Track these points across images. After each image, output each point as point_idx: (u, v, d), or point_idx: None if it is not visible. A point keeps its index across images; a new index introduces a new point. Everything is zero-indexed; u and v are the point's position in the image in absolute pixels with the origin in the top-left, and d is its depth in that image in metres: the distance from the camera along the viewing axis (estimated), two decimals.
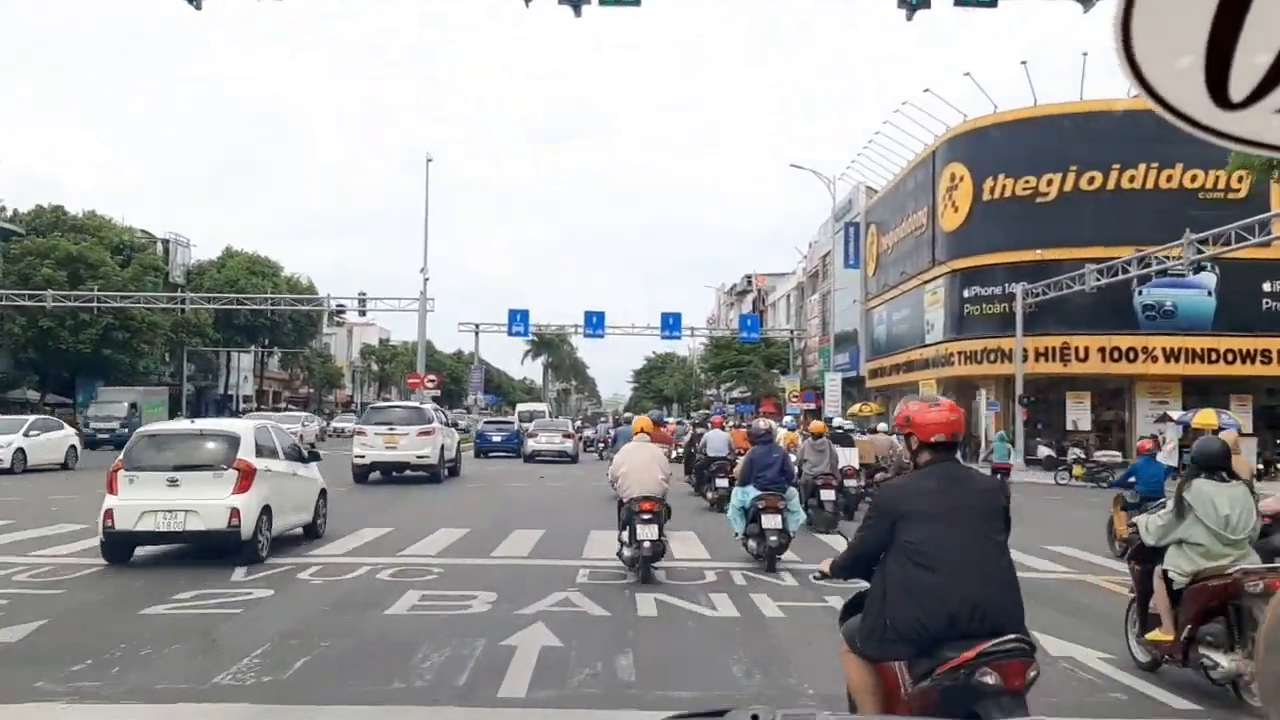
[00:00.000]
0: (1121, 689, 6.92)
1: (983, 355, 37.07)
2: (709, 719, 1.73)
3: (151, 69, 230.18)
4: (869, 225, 50.14)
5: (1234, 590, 6.39)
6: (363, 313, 49.96)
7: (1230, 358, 34.73)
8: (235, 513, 11.25)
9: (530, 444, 34.16)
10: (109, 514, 11.31)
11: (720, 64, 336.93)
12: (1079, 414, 36.37)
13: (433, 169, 40.63)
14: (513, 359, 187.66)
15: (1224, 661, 6.31)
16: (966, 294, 38.07)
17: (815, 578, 4.89)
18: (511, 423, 41.82)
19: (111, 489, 11.54)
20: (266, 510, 11.82)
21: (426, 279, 41.06)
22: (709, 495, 18.49)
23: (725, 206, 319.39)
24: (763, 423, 15.68)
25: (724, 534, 13.19)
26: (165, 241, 65.76)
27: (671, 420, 37.65)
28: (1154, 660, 7.11)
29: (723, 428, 21.63)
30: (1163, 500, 8.81)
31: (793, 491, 12.35)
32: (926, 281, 41.07)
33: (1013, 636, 3.83)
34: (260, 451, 12.22)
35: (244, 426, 13.22)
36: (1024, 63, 33.10)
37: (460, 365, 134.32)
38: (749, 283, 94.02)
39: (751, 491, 11.83)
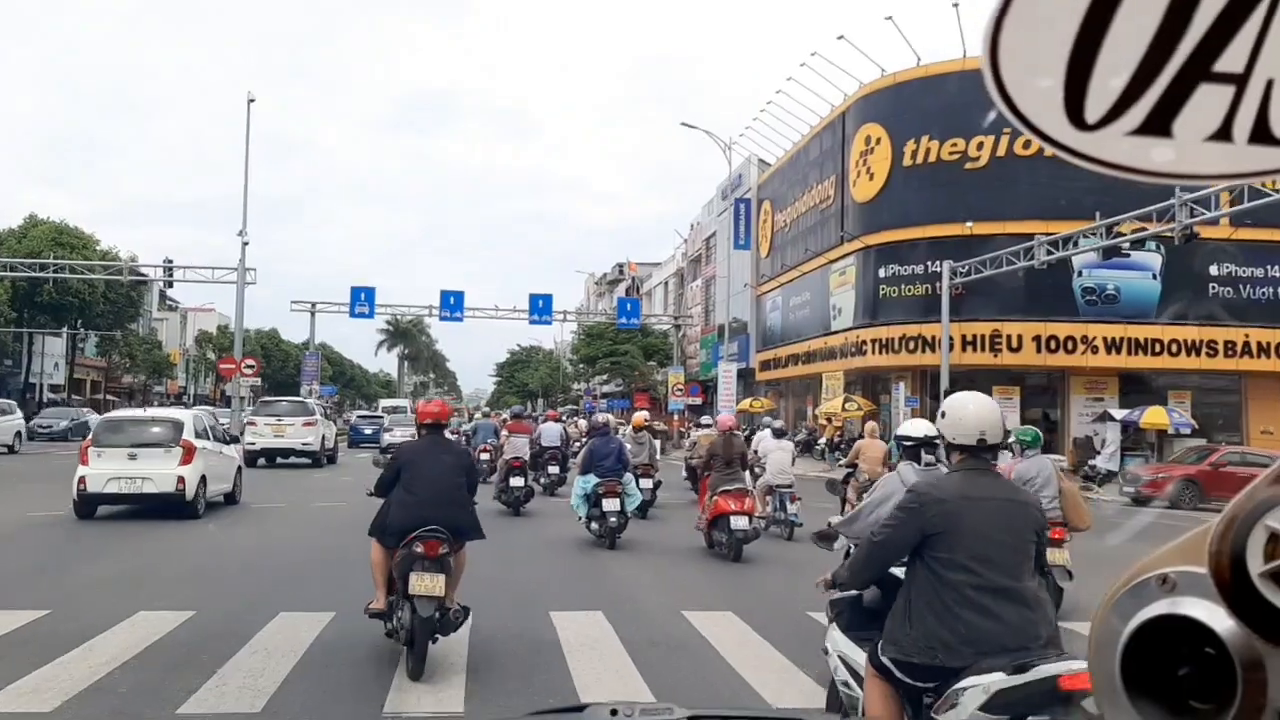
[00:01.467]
0: None
1: (900, 343, 31.88)
2: (568, 714, 1.77)
3: None
4: (762, 202, 44.68)
5: None
6: (169, 283, 41.88)
7: (1174, 349, 30.36)
8: (181, 480, 14.42)
9: (386, 437, 35.07)
10: (82, 480, 14.32)
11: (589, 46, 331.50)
12: (1007, 411, 31.45)
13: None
14: (366, 350, 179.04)
15: None
16: (882, 273, 32.81)
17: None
18: (381, 418, 44.58)
19: (84, 461, 14.55)
20: (203, 479, 14.99)
21: (245, 243, 33.78)
22: (541, 480, 18.68)
23: (593, 202, 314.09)
24: (601, 416, 17.00)
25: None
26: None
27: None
28: None
29: (558, 420, 22.40)
30: None
31: (629, 477, 13.07)
32: (834, 260, 35.72)
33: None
34: (198, 434, 15.30)
35: (186, 415, 16.49)
36: (956, 4, 27.39)
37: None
38: (620, 271, 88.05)
39: (593, 479, 12.72)
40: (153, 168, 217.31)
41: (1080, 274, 30.31)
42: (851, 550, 4.72)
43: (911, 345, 31.54)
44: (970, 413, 3.92)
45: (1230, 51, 0.70)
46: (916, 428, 6.33)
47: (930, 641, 3.65)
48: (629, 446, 15.15)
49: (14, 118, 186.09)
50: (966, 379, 30.86)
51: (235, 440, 17.94)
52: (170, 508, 14.36)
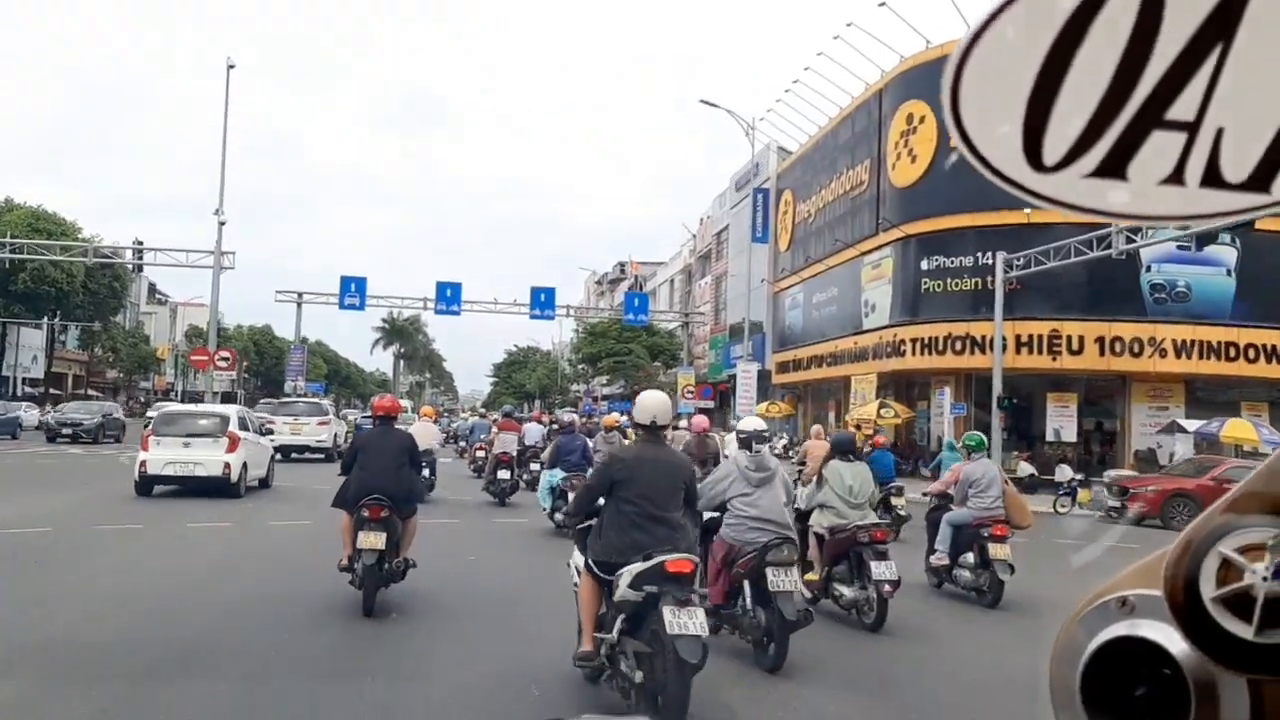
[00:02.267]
0: None
1: (945, 343, 28.39)
2: None
3: None
4: (782, 192, 41.19)
5: (854, 540, 8.40)
6: (139, 267, 38.36)
7: (1251, 354, 26.92)
8: (227, 465, 16.63)
9: None
10: (143, 464, 16.61)
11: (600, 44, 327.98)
12: (1063, 420, 28.02)
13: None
14: (362, 349, 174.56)
15: (847, 592, 8.46)
16: (925, 266, 29.32)
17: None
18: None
19: (144, 447, 16.95)
20: (244, 466, 17.18)
21: (222, 223, 30.18)
22: (524, 477, 18.88)
23: (591, 204, 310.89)
24: (566, 415, 18.22)
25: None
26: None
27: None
28: (814, 597, 8.48)
29: (540, 421, 22.79)
30: (898, 483, 15.09)
31: (591, 471, 11.93)
32: (866, 252, 32.24)
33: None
34: (241, 427, 17.66)
35: (232, 409, 19.41)
36: None
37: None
38: (622, 270, 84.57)
39: (559, 473, 13.59)
40: (148, 166, 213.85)
41: (1149, 269, 26.89)
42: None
43: (958, 346, 28.06)
44: (646, 404, 6.15)
45: (1182, 100, 0.73)
46: (749, 424, 8.12)
47: (611, 548, 5.60)
48: (600, 447, 15.59)
49: (7, 111, 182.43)
50: (1019, 384, 27.51)
51: (270, 433, 21.20)
52: (217, 489, 16.50)
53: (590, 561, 5.72)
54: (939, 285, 29.04)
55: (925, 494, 12.21)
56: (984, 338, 27.03)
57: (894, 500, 14.79)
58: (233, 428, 17.02)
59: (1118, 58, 0.72)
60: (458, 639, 7.43)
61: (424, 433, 17.76)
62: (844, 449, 9.24)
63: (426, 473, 15.17)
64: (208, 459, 16.50)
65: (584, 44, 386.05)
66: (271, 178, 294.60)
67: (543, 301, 41.14)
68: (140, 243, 33.24)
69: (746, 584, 7.04)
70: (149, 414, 53.10)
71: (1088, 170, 0.77)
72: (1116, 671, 0.80)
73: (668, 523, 5.62)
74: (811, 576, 8.66)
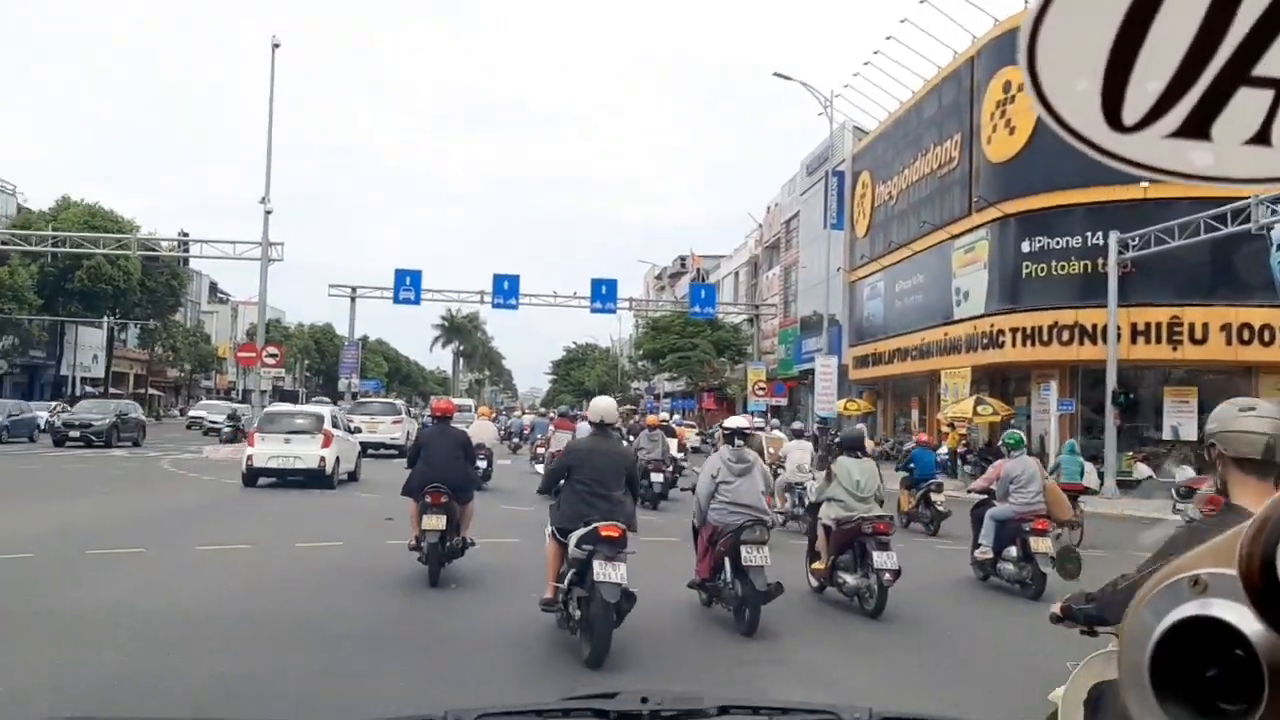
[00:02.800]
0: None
1: (1050, 333, 25.65)
2: (600, 699, 1.78)
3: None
4: (859, 174, 38.55)
5: (858, 531, 8.78)
6: (185, 260, 36.91)
7: None
8: (323, 459, 18.35)
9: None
10: (249, 457, 18.49)
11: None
12: (1181, 417, 25.15)
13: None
14: (422, 346, 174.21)
15: (850, 580, 8.84)
16: (1026, 248, 26.57)
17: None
18: None
19: (250, 443, 19.10)
20: (337, 460, 18.89)
21: (269, 211, 28.34)
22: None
23: (650, 202, 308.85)
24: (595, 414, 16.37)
25: None
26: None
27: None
28: (820, 585, 9.33)
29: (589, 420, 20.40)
30: (938, 480, 15.54)
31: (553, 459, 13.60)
32: (958, 235, 29.55)
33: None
34: (333, 424, 19.57)
35: (326, 409, 21.37)
36: None
37: (364, 353, 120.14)
38: (683, 264, 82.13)
39: None
40: (208, 170, 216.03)
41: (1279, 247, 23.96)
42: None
43: (1064, 336, 25.32)
44: (597, 407, 8.12)
45: (1270, 56, 0.70)
46: (733, 422, 9.27)
47: (567, 517, 7.10)
48: (644, 445, 17.40)
49: (77, 116, 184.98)
50: (1133, 376, 24.74)
51: (358, 430, 22.83)
52: (313, 480, 18.18)
53: (553, 528, 7.32)
54: (1042, 269, 26.29)
55: (969, 490, 12.65)
56: (1094, 327, 24.31)
57: (933, 496, 15.16)
58: (327, 425, 19.09)
59: (1203, 11, 0.69)
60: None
61: (481, 430, 20.31)
62: (852, 446, 9.69)
63: (484, 464, 18.05)
64: (306, 453, 18.37)
65: (642, 39, 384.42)
66: (336, 180, 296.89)
67: (603, 294, 38.97)
68: (186, 234, 31.65)
69: (727, 560, 8.05)
70: (191, 414, 51.98)
71: (1169, 130, 0.74)
72: (1187, 652, 0.76)
73: (609, 499, 7.14)
74: (818, 565, 9.32)
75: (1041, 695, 3.30)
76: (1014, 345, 26.41)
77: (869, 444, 11.86)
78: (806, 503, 12.13)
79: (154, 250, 35.62)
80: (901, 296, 34.17)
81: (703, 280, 68.20)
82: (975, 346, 27.96)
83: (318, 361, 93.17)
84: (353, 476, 20.17)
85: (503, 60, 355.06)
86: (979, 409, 26.34)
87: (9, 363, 50.53)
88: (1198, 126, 0.71)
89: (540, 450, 21.73)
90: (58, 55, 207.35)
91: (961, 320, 29.11)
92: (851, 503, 8.97)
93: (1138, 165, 0.74)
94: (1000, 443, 11.64)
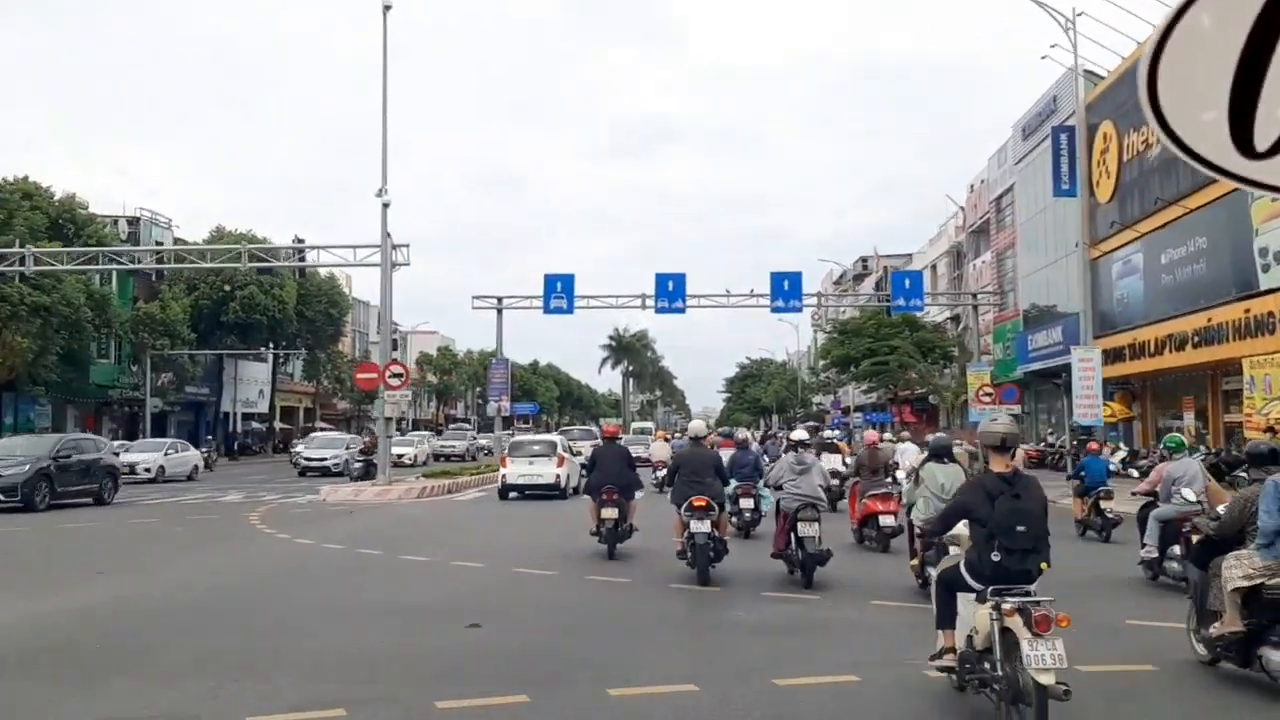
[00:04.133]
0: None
1: None
2: None
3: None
4: (1096, 126, 31.19)
5: None
6: (302, 271, 33.03)
7: None
8: (558, 476, 22.91)
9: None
10: (503, 476, 23.26)
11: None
12: None
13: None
14: (591, 368, 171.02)
15: (932, 573, 8.11)
16: None
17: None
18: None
19: (504, 465, 23.68)
20: (568, 476, 23.28)
21: (386, 204, 23.81)
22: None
23: (817, 214, 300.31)
24: (740, 433, 21.54)
25: None
26: (133, 220, 49.83)
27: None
28: (922, 581, 9.81)
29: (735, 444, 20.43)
30: (1108, 487, 15.20)
31: (762, 483, 14.14)
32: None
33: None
34: (563, 449, 24.32)
35: (557, 438, 26.42)
36: None
37: (534, 378, 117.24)
38: (865, 265, 75.02)
39: (734, 482, 14.15)
40: (360, 210, 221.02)
41: None
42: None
43: None
44: (691, 428, 14.14)
45: None
46: (797, 435, 12.95)
47: (678, 496, 11.28)
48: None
49: (272, 160, 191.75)
50: None
51: (579, 454, 24.58)
52: (551, 494, 22.69)
53: (672, 503, 11.59)
54: None
55: (1133, 494, 12.51)
56: None
57: (1103, 504, 15.01)
58: (560, 450, 23.85)
59: None
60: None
61: (659, 450, 26.67)
62: (939, 453, 10.39)
63: (661, 474, 22.43)
64: (545, 472, 22.74)
65: (804, 49, 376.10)
66: (507, 212, 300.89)
67: (786, 290, 32.83)
68: (301, 240, 27.57)
69: (792, 534, 10.85)
70: (295, 445, 49.11)
71: None
72: None
73: (702, 484, 11.27)
74: (914, 563, 10.33)
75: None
76: None
77: (958, 450, 12.85)
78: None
79: (267, 260, 31.53)
80: (1171, 269, 26.72)
81: (889, 279, 61.13)
82: None
83: (488, 387, 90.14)
84: (577, 491, 22.48)
85: (665, 86, 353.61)
86: None
87: (164, 401, 48.27)
88: None
89: None
90: (230, 100, 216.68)
91: (1268, 292, 21.70)
92: (937, 504, 9.26)
93: (1274, 189, 0.73)
94: (1162, 446, 11.63)
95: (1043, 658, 4.95)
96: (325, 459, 35.09)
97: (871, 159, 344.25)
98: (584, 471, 17.27)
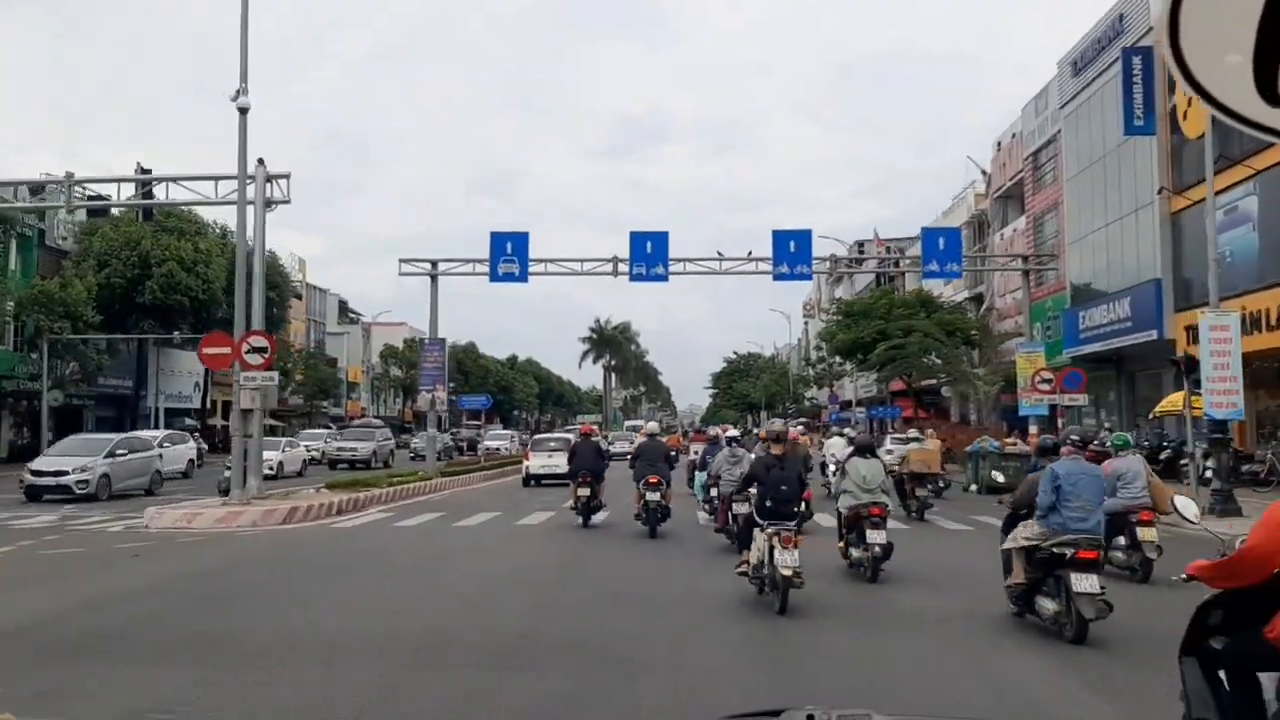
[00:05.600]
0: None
1: None
2: (763, 718, 1.81)
3: None
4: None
5: (860, 515, 10.61)
6: (149, 213, 25.94)
7: None
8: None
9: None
10: (527, 467, 26.42)
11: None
12: None
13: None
14: (571, 362, 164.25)
15: (855, 553, 10.74)
16: None
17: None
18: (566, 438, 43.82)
19: (527, 458, 27.20)
20: None
21: (244, 109, 16.76)
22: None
23: (812, 210, 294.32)
24: (712, 430, 22.55)
25: None
26: (37, 186, 42.65)
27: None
28: (850, 560, 10.99)
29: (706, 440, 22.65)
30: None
31: (705, 474, 16.34)
32: None
33: None
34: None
35: (572, 437, 23.39)
36: None
37: (512, 374, 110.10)
38: (861, 249, 68.21)
39: (703, 475, 16.13)
40: (370, 207, 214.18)
41: None
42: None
43: None
44: (648, 427, 18.45)
45: None
46: (730, 433, 15.70)
47: (640, 475, 15.06)
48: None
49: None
50: None
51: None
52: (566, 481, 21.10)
53: (634, 481, 15.24)
54: None
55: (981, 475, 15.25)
56: None
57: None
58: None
59: None
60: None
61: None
62: (863, 449, 11.40)
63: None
64: (562, 463, 21.87)
65: (789, 46, 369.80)
66: (500, 211, 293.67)
67: (792, 253, 25.99)
68: (148, 170, 20.46)
69: (729, 512, 12.59)
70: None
71: None
72: None
73: (654, 468, 14.79)
74: (841, 544, 11.15)
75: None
76: None
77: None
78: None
79: (105, 201, 24.23)
80: None
81: (895, 261, 54.46)
82: None
83: (461, 383, 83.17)
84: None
85: (656, 83, 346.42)
86: None
87: (65, 393, 41.11)
88: None
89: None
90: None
91: None
92: (859, 493, 10.73)
93: None
94: (1109, 444, 11.94)
95: (784, 561, 8.46)
96: (64, 474, 21.83)
97: (867, 155, 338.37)
98: (568, 461, 18.53)
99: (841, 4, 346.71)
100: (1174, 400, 22.71)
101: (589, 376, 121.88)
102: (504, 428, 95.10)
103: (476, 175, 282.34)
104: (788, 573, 8.35)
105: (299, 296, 71.10)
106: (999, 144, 38.56)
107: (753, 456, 12.40)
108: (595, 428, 24.74)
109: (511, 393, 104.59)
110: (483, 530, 15.78)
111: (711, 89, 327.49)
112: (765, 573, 8.80)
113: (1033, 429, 25.47)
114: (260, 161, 18.53)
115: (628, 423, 78.38)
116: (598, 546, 13.62)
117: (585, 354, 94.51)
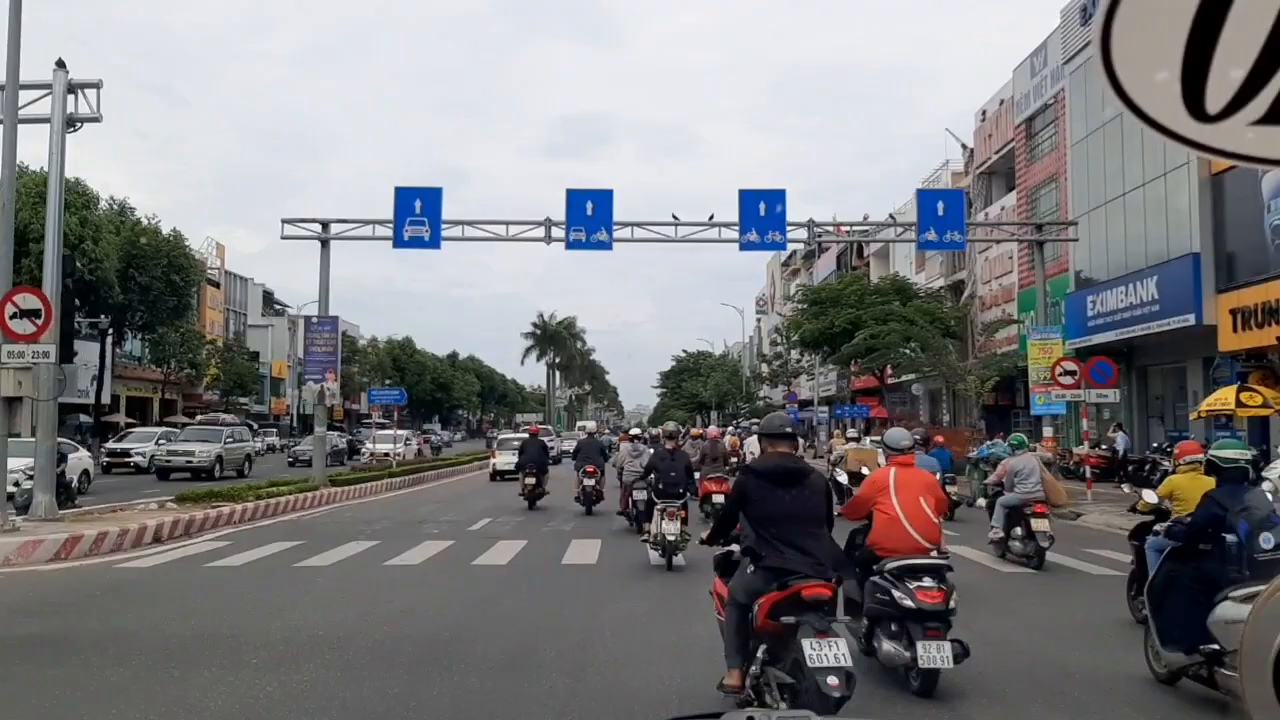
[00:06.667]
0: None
1: None
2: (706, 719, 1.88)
3: None
4: None
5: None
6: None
7: None
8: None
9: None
10: (494, 464, 29.68)
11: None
12: None
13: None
14: (512, 360, 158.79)
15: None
16: None
17: None
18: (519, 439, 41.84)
19: (493, 456, 30.58)
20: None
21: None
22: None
23: None
24: (651, 431, 29.92)
25: None
26: None
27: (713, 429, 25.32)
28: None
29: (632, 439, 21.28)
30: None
31: (609, 464, 19.39)
32: None
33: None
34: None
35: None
36: None
37: (453, 371, 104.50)
38: (818, 243, 64.17)
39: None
40: (321, 201, 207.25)
41: None
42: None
43: None
44: (587, 426, 35.41)
45: None
46: (635, 429, 21.00)
47: (580, 465, 19.00)
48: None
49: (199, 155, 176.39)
50: None
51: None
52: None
53: (575, 470, 19.71)
54: None
55: (984, 484, 14.87)
56: None
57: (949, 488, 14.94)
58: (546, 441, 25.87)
59: None
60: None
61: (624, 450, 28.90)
62: (773, 436, 9.98)
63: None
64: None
65: (733, 61, 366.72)
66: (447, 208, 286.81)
67: (762, 216, 21.40)
68: None
69: (630, 499, 14.95)
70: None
71: (1254, 118, 0.68)
72: None
73: (591, 460, 18.67)
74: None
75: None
76: None
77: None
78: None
79: None
80: None
81: (857, 251, 50.33)
82: None
83: (397, 381, 77.60)
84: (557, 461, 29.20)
85: (598, 85, 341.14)
86: None
87: None
88: None
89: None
90: None
91: None
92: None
93: (1224, 154, 0.68)
94: (1007, 443, 13.30)
95: (670, 529, 11.30)
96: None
97: (813, 160, 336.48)
98: (517, 455, 21.38)
99: (785, 13, 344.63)
100: (1222, 397, 18.48)
101: (533, 374, 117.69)
102: (442, 427, 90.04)
103: (419, 173, 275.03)
104: (673, 537, 11.40)
105: (216, 284, 65.33)
106: (983, 113, 34.38)
107: (651, 451, 15.00)
108: (542, 428, 30.28)
109: (451, 390, 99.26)
110: (340, 572, 10.94)
111: (657, 91, 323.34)
112: (656, 538, 11.63)
113: (1047, 431, 21.16)
114: (60, 64, 13.53)
115: (579, 423, 76.17)
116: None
117: (528, 350, 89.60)
